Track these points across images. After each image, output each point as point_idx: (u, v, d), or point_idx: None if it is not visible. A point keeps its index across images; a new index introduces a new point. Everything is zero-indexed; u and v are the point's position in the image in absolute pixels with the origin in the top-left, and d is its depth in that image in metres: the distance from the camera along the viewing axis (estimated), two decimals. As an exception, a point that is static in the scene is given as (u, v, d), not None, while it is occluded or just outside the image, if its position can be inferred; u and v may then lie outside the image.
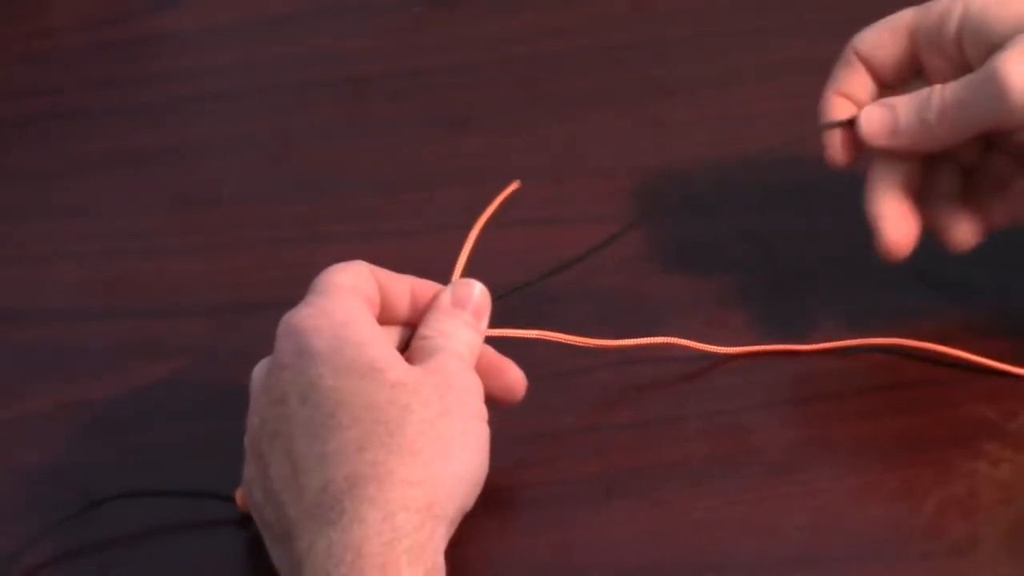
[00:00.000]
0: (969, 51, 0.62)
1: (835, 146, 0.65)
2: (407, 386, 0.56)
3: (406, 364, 0.57)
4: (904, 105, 0.63)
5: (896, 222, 0.64)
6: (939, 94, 0.62)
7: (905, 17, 0.64)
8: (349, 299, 0.58)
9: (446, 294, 0.60)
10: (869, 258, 0.68)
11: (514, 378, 0.62)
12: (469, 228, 0.63)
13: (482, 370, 0.60)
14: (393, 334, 0.61)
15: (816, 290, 0.69)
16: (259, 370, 0.59)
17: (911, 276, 0.68)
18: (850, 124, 0.64)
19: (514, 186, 0.66)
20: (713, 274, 0.70)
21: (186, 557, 0.61)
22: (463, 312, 0.60)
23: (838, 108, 0.65)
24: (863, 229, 0.68)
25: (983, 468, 0.61)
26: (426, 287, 0.61)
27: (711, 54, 0.83)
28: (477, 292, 0.61)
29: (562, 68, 0.83)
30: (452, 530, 0.56)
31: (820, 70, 0.80)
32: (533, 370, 0.64)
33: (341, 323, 0.57)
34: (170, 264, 0.74)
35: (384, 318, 0.60)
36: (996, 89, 0.60)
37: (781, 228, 0.72)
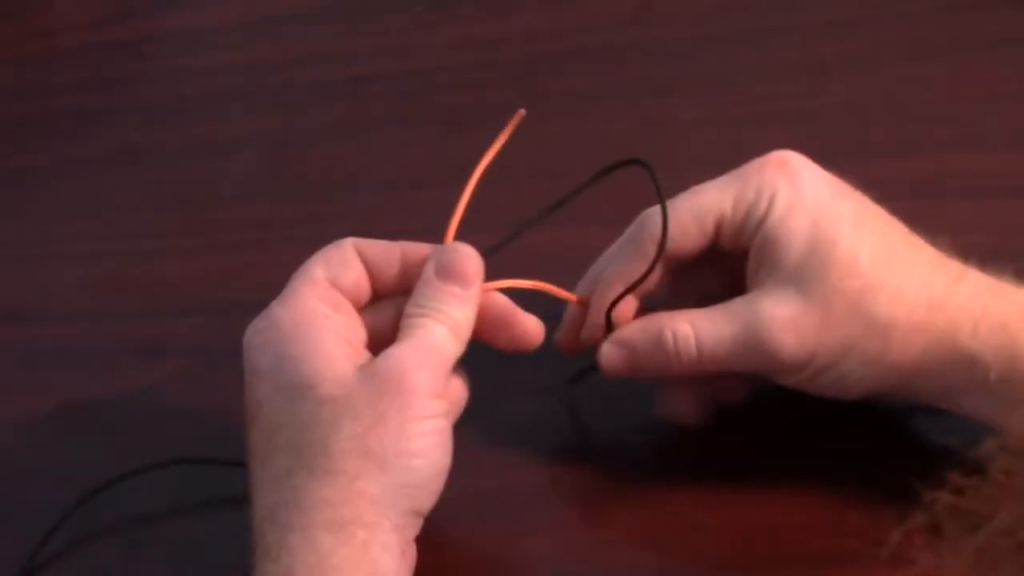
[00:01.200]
0: (758, 258, 0.58)
1: (567, 338, 0.62)
2: (337, 401, 0.54)
3: (344, 373, 0.55)
4: (644, 347, 0.59)
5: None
6: (692, 338, 0.58)
7: (714, 204, 0.59)
8: (307, 302, 0.57)
9: (431, 263, 0.58)
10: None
11: (528, 329, 0.59)
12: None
13: (492, 323, 0.59)
14: (393, 308, 0.59)
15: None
16: None
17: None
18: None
19: (520, 113, 0.63)
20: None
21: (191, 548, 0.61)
22: (448, 283, 0.57)
23: (613, 293, 0.60)
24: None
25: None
26: (416, 251, 0.59)
27: (711, 54, 0.83)
28: (463, 258, 0.58)
29: (562, 68, 0.83)
30: (407, 531, 0.55)
31: (820, 70, 0.80)
32: (532, 370, 0.64)
33: (283, 338, 0.56)
34: (170, 264, 0.74)
35: (378, 291, 0.59)
36: (765, 348, 0.56)
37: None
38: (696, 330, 0.58)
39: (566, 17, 0.86)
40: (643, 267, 0.59)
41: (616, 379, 0.60)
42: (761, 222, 0.57)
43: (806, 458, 0.62)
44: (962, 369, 0.55)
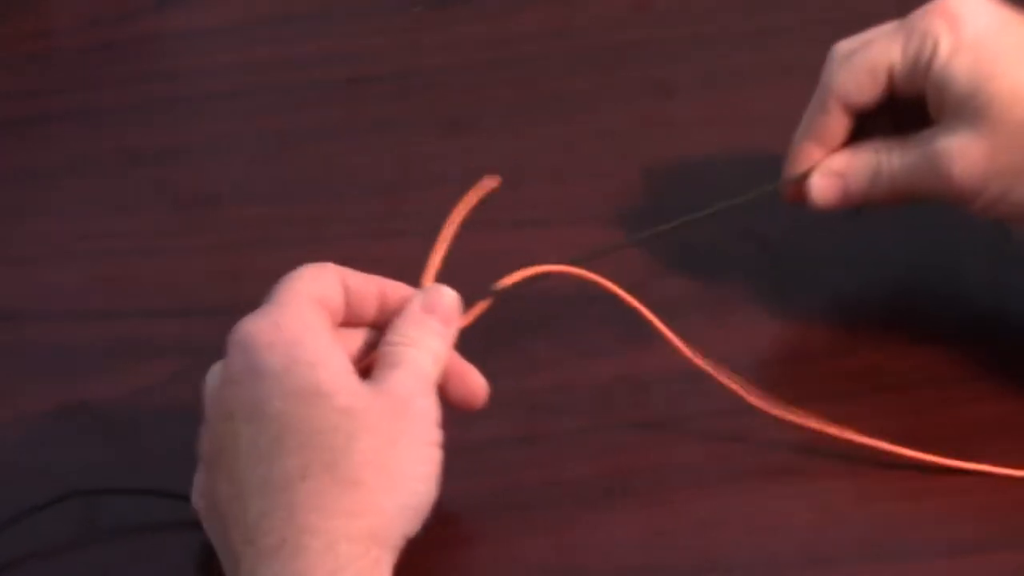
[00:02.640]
0: (931, 99, 0.62)
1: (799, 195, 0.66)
2: (355, 412, 0.55)
3: (358, 385, 0.56)
4: (854, 174, 0.64)
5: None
6: (888, 168, 0.63)
7: (883, 57, 0.63)
8: (306, 311, 0.57)
9: (417, 299, 0.59)
10: (869, 257, 0.69)
11: (475, 385, 0.60)
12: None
13: (444, 374, 0.59)
14: (358, 337, 0.60)
15: (816, 290, 0.69)
16: (212, 377, 0.58)
17: (910, 275, 0.68)
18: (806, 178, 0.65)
19: (492, 183, 0.64)
20: (714, 275, 0.70)
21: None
22: (432, 319, 0.59)
23: (811, 156, 0.65)
24: (863, 227, 0.68)
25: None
26: (396, 289, 0.60)
27: (711, 54, 0.83)
28: (447, 298, 0.59)
29: (562, 68, 0.83)
30: (396, 555, 0.55)
31: (820, 70, 0.80)
32: (533, 372, 0.64)
33: (293, 341, 0.56)
34: (170, 264, 0.74)
35: (350, 320, 0.59)
36: (941, 176, 0.61)
37: (781, 228, 0.72)
38: (889, 160, 0.63)
39: (566, 17, 0.86)
40: (827, 120, 0.64)
41: (826, 209, 0.65)
42: (928, 67, 0.61)
43: (807, 458, 0.62)
44: None
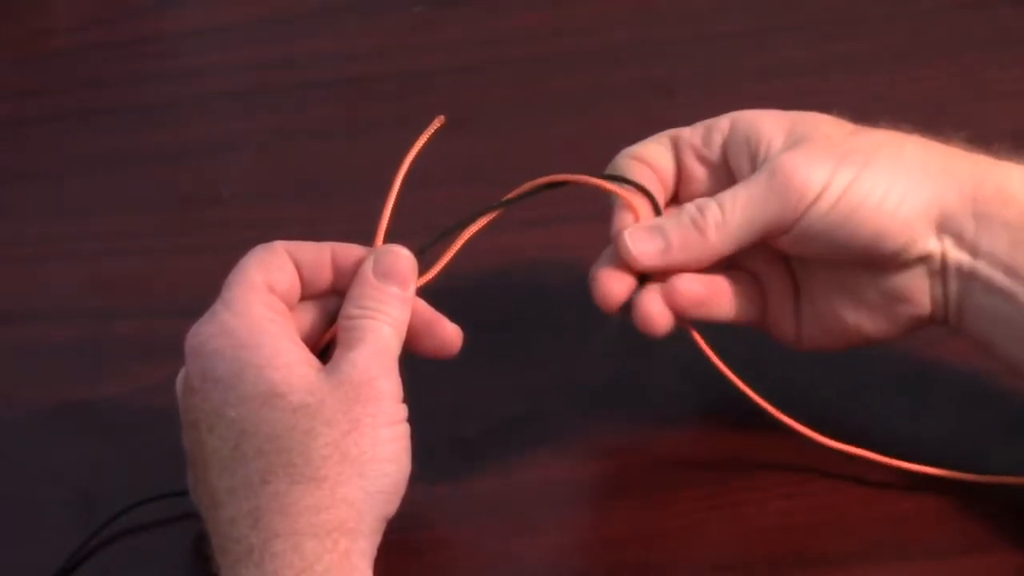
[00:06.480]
0: (734, 161, 0.60)
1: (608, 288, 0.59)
2: (310, 408, 0.54)
3: (313, 378, 0.55)
4: (673, 220, 0.59)
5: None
6: (714, 201, 0.58)
7: (666, 133, 0.62)
8: (255, 308, 0.57)
9: (368, 265, 0.58)
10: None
11: (448, 334, 0.59)
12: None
13: (414, 327, 0.58)
14: (317, 310, 0.59)
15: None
16: (179, 383, 0.58)
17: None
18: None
19: (437, 122, 0.63)
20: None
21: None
22: (388, 285, 0.58)
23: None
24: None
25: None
26: (348, 251, 0.59)
27: (711, 54, 0.83)
28: (402, 260, 0.58)
29: (562, 68, 0.83)
30: (377, 537, 0.55)
31: (820, 70, 0.80)
32: (532, 370, 0.63)
33: (242, 344, 0.56)
34: (170, 264, 0.74)
35: (308, 292, 0.59)
36: (780, 184, 0.57)
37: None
38: (718, 196, 0.58)
39: (566, 17, 0.86)
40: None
41: (644, 266, 0.58)
42: (732, 127, 0.60)
43: (806, 459, 0.62)
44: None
